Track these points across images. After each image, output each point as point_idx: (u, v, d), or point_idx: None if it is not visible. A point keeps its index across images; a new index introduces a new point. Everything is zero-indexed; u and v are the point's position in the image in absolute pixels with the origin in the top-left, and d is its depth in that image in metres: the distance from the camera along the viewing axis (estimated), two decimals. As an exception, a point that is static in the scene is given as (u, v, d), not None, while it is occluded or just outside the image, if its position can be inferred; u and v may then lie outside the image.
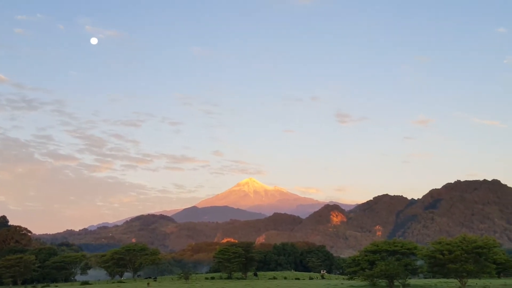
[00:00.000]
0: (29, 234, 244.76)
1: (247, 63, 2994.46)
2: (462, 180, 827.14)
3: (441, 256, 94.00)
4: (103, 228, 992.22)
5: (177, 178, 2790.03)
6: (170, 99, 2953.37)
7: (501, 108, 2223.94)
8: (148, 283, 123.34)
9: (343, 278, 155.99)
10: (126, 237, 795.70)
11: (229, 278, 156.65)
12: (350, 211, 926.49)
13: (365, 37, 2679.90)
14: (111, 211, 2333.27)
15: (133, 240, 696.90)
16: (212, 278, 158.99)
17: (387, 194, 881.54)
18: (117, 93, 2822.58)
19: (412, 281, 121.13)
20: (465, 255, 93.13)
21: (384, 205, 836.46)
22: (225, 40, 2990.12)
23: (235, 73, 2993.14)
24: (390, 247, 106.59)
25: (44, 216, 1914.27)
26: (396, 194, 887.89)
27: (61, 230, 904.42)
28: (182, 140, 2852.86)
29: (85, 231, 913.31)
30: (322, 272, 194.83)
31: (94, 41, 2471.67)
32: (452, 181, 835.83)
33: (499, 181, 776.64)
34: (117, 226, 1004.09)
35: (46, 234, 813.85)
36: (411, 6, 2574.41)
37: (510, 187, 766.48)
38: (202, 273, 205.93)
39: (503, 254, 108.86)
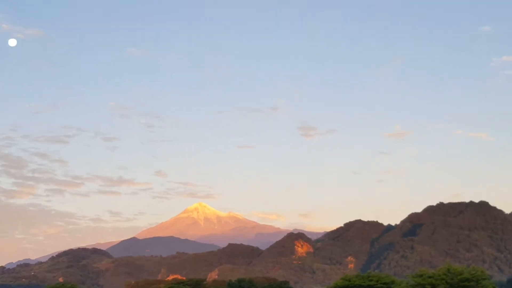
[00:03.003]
0: None
1: (195, 67, 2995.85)
2: (445, 202, 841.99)
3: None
4: (24, 265, 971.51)
5: (113, 204, 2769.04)
6: (104, 110, 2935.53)
7: (489, 118, 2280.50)
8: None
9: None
10: (51, 276, 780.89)
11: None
12: (318, 240, 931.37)
13: (332, 38, 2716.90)
14: (34, 245, 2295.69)
15: (60, 280, 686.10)
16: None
17: (359, 220, 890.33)
18: (40, 103, 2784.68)
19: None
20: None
21: (357, 233, 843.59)
22: (168, 40, 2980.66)
23: (181, 79, 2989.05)
24: (364, 282, 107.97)
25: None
26: (370, 220, 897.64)
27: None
28: (119, 159, 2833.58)
29: (2, 270, 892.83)
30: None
31: (12, 42, 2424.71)
32: (434, 204, 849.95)
33: (487, 202, 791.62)
34: (41, 263, 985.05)
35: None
36: (387, 2, 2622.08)
37: (499, 210, 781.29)
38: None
39: (493, 287, 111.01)
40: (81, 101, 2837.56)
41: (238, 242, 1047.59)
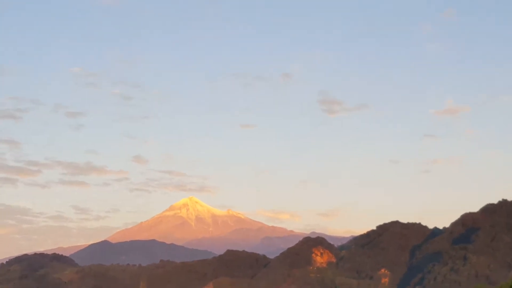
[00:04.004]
0: None
1: (184, 21, 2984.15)
2: (509, 199, 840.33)
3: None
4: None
5: (79, 198, 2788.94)
6: (65, 77, 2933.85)
7: None
8: None
9: None
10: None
11: None
12: (342, 247, 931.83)
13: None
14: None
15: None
16: None
17: (397, 222, 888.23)
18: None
19: None
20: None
21: (393, 238, 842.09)
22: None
23: (166, 37, 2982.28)
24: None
25: None
26: (410, 222, 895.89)
27: None
28: (86, 141, 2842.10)
29: None
30: None
31: None
32: (495, 201, 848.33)
33: None
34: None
35: None
36: None
37: None
38: None
39: None
40: (36, 65, 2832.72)
41: (240, 248, 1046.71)
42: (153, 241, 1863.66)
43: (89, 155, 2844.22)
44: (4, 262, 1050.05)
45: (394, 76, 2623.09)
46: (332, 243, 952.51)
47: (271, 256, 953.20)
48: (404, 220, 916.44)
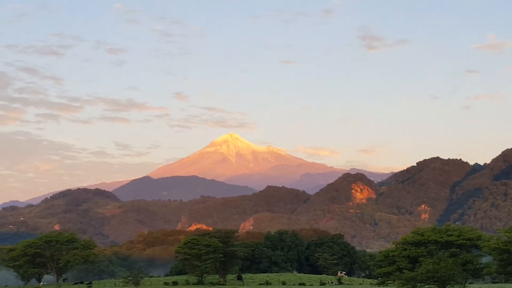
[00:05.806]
0: None
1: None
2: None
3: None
4: (10, 209, 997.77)
5: (121, 134, 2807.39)
6: (107, 14, 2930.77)
7: None
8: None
9: (371, 283, 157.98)
10: (45, 223, 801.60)
11: (200, 283, 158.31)
12: (382, 183, 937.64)
13: None
14: (23, 183, 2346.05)
15: (56, 227, 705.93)
16: (175, 283, 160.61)
17: (437, 158, 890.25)
18: (27, 4, 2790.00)
19: (475, 286, 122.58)
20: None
21: (433, 174, 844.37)
22: None
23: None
24: (442, 237, 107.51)
25: None
26: (451, 158, 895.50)
27: None
28: (127, 77, 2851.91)
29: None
30: (339, 274, 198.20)
31: None
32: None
33: None
34: (31, 206, 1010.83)
35: None
36: None
37: None
38: (159, 276, 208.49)
39: None
40: (78, 2, 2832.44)
41: (279, 184, 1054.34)
42: (194, 177, 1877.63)
43: (130, 92, 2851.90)
44: (48, 197, 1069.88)
45: (435, 10, 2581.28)
46: (372, 179, 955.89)
47: (311, 192, 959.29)
48: (444, 156, 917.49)
